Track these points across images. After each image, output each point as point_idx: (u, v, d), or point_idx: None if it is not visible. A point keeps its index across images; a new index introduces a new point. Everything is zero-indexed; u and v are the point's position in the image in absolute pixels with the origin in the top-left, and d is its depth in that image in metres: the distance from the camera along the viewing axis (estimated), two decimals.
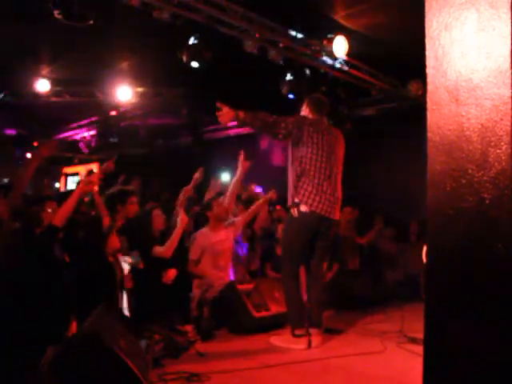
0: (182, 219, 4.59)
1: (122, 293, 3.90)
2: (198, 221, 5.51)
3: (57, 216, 3.41)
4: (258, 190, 6.71)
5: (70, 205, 3.45)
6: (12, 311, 3.03)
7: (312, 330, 4.02)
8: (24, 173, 4.00)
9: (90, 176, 4.22)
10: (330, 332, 4.33)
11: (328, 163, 4.11)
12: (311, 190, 4.03)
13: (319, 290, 4.22)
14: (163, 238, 4.81)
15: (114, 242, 3.88)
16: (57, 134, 11.67)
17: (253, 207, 5.61)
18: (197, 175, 5.90)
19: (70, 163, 13.44)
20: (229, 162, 5.71)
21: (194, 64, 5.75)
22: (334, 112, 6.03)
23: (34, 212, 3.62)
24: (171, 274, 4.59)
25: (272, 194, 5.65)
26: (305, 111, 4.38)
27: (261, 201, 5.67)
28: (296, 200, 4.08)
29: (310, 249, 4.19)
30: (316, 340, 3.99)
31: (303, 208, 4.04)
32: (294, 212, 4.10)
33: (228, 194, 5.48)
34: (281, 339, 4.07)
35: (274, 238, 6.30)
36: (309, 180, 4.05)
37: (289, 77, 6.53)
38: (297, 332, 3.99)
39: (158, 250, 4.55)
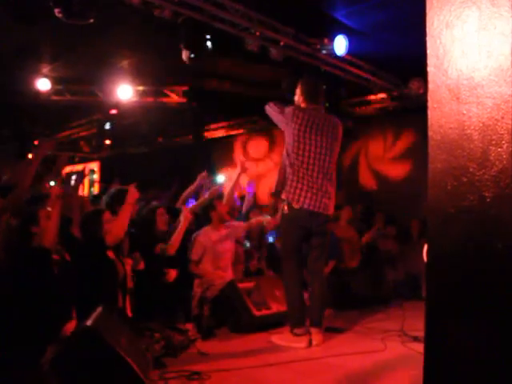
0: (185, 216, 4.59)
1: (124, 292, 3.89)
2: (200, 220, 5.50)
3: (46, 237, 3.30)
4: (250, 189, 6.63)
5: (54, 223, 3.38)
6: (12, 310, 3.03)
7: (312, 329, 4.01)
8: (26, 171, 3.99)
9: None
10: (331, 331, 4.33)
11: (318, 157, 4.02)
12: (301, 187, 3.98)
13: (321, 287, 4.18)
14: (166, 237, 4.80)
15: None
16: (57, 132, 11.66)
17: (255, 221, 5.60)
18: (203, 175, 5.95)
19: (70, 162, 13.44)
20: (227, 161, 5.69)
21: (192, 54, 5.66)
22: (335, 110, 6.00)
23: (30, 211, 3.57)
24: (172, 274, 4.58)
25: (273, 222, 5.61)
26: (298, 97, 4.19)
27: (263, 219, 5.65)
28: (284, 197, 4.05)
29: (307, 247, 4.16)
30: (316, 339, 3.98)
31: (293, 204, 4.00)
32: (284, 208, 4.08)
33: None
34: (281, 338, 4.07)
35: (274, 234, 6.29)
36: (297, 176, 3.99)
37: (289, 75, 6.51)
38: (296, 331, 3.98)
39: (162, 247, 4.55)
